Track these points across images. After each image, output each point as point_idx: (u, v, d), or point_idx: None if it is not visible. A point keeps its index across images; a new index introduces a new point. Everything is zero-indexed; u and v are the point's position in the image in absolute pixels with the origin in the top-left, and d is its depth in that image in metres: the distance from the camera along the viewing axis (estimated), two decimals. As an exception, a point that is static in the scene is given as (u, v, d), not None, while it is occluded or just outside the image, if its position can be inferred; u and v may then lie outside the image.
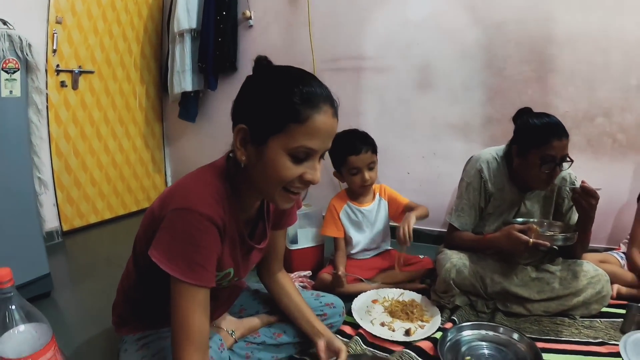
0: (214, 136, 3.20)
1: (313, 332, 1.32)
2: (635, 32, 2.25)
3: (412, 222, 1.86)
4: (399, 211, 2.08)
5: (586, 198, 1.62)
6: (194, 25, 2.92)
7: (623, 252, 2.16)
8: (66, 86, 2.60)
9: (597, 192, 1.62)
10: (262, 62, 1.00)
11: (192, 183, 0.99)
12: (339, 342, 1.28)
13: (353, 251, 2.07)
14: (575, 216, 1.83)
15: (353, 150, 1.91)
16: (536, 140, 1.65)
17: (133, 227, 2.95)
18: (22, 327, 0.85)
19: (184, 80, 2.97)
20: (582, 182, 1.65)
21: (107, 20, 2.82)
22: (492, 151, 1.86)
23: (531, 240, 1.56)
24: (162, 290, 0.94)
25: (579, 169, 2.26)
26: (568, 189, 1.81)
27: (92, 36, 2.73)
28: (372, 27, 2.63)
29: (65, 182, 2.68)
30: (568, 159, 1.66)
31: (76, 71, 2.63)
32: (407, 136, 2.63)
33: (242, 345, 1.36)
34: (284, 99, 0.90)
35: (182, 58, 2.94)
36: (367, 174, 1.93)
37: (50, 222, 2.54)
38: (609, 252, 2.19)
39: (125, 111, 3.05)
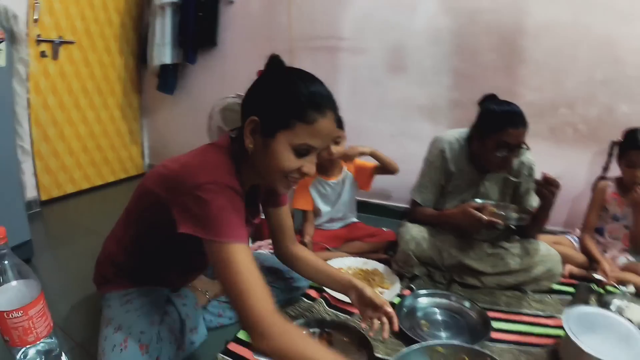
0: (191, 109, 3.24)
1: (342, 287, 1.40)
2: (603, 29, 2.36)
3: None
4: (367, 176, 2.23)
5: (548, 187, 1.72)
6: (175, -2, 2.93)
7: (577, 236, 2.32)
8: (46, 56, 2.60)
9: (558, 180, 1.72)
10: (275, 61, 1.13)
11: (208, 160, 1.08)
12: (370, 291, 1.33)
13: (321, 222, 2.21)
14: (532, 199, 1.95)
15: None
16: (494, 126, 1.76)
17: (110, 197, 3.03)
18: (14, 283, 0.93)
19: (163, 53, 2.99)
20: (543, 173, 1.75)
21: None
22: (456, 133, 1.97)
23: (485, 217, 1.67)
24: (153, 255, 1.03)
25: (541, 156, 2.40)
26: (526, 172, 1.95)
27: (73, 6, 2.73)
28: (349, 9, 2.69)
29: (44, 151, 2.71)
30: (524, 146, 1.76)
31: (57, 41, 2.63)
32: (379, 116, 2.73)
33: (215, 304, 1.50)
34: (296, 101, 1.02)
35: (163, 31, 2.95)
36: (333, 148, 2.02)
37: (29, 191, 2.58)
38: (564, 235, 2.34)
39: (104, 82, 3.06)
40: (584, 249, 2.15)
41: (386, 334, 1.27)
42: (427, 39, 2.59)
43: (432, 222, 1.95)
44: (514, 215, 1.74)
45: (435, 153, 1.94)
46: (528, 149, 1.79)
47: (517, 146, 1.75)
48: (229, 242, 0.98)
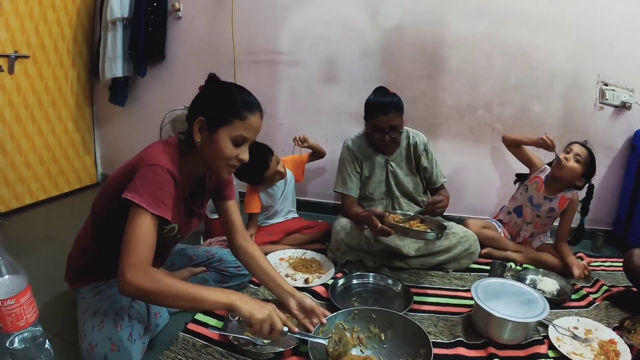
0: (142, 120, 3.34)
1: (281, 292, 1.61)
2: (516, 39, 2.68)
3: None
4: (302, 166, 2.55)
5: (434, 208, 2.05)
6: (126, 14, 3.04)
7: (499, 219, 2.64)
8: (2, 71, 2.65)
9: (440, 200, 2.04)
10: (214, 77, 1.43)
11: (156, 150, 1.34)
12: (309, 300, 1.57)
13: (266, 217, 2.44)
14: (440, 174, 2.36)
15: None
16: (369, 114, 2.15)
17: (67, 206, 3.12)
18: (7, 276, 1.11)
19: (115, 66, 3.09)
20: (427, 200, 2.09)
21: (42, 5, 2.86)
22: (356, 132, 2.35)
23: (378, 225, 1.92)
24: (117, 246, 1.25)
25: (463, 154, 2.75)
26: (422, 148, 2.32)
27: (28, 21, 2.78)
28: (287, 25, 2.92)
29: (2, 164, 2.76)
30: (399, 129, 2.13)
31: (12, 56, 2.68)
32: (314, 122, 2.99)
33: None
34: (233, 103, 1.34)
35: (114, 45, 3.06)
36: (280, 167, 2.34)
37: (-12, 204, 2.62)
38: (489, 220, 2.66)
39: (58, 95, 3.13)
40: (560, 256, 2.38)
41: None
42: (357, 53, 2.85)
43: (354, 219, 2.23)
44: (431, 233, 1.95)
45: (344, 150, 2.31)
46: (402, 130, 2.17)
47: (391, 128, 2.11)
48: (144, 208, 1.22)
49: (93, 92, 3.51)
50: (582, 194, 2.45)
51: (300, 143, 2.53)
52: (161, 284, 1.17)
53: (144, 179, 1.25)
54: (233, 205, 1.70)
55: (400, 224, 1.97)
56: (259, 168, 2.25)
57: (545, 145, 2.31)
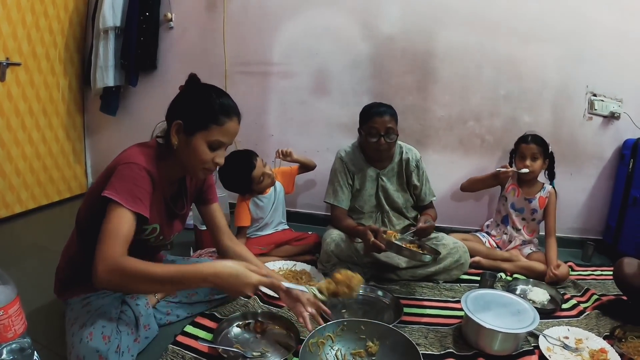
0: (133, 129, 3.33)
1: (272, 286, 1.53)
2: (506, 51, 2.72)
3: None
4: (292, 178, 2.55)
5: (424, 233, 2.11)
6: (118, 23, 3.04)
7: (486, 232, 2.67)
8: None
9: (431, 226, 2.10)
10: (194, 79, 1.43)
11: (132, 151, 1.36)
12: (296, 290, 1.55)
13: (256, 229, 2.44)
14: (429, 191, 2.38)
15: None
16: (364, 118, 2.18)
17: (57, 215, 3.10)
18: (-3, 286, 1.11)
19: (106, 75, 3.08)
20: (418, 227, 2.10)
21: (35, 13, 2.85)
22: (349, 143, 2.36)
23: (371, 240, 1.93)
24: None
25: (452, 164, 2.77)
26: (414, 164, 2.35)
27: (20, 28, 2.77)
28: (278, 37, 2.94)
29: (-8, 173, 2.73)
30: (394, 134, 2.15)
31: (4, 63, 2.67)
32: (305, 133, 2.99)
33: (163, 304, 1.71)
34: (211, 108, 1.36)
35: (106, 54, 3.05)
36: (267, 169, 2.35)
37: (-22, 212, 2.60)
38: (473, 233, 2.69)
39: (49, 103, 3.11)
40: (547, 248, 2.47)
41: (320, 320, 1.53)
42: (347, 64, 2.87)
43: (346, 232, 2.25)
44: (427, 256, 1.97)
45: (336, 161, 2.32)
46: (397, 135, 2.18)
47: (387, 131, 2.13)
48: (121, 204, 1.25)
49: (84, 100, 3.50)
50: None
51: (282, 157, 2.52)
52: (133, 272, 1.20)
53: (120, 177, 1.29)
54: (217, 208, 1.74)
55: (396, 242, 1.98)
56: (246, 171, 2.26)
57: (506, 177, 2.48)
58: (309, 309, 1.51)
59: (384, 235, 1.98)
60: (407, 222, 2.40)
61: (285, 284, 1.47)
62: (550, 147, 2.51)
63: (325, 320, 1.56)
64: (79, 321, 1.38)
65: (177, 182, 1.57)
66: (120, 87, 3.27)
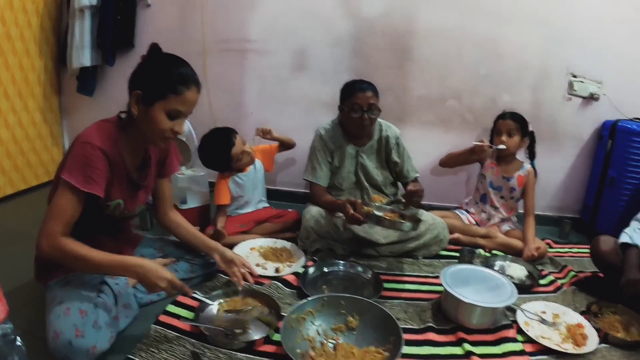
0: (110, 110, 3.11)
1: (208, 249, 1.79)
2: (486, 30, 2.72)
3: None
4: (271, 156, 2.55)
5: (413, 198, 2.09)
6: (94, 1, 2.95)
7: (465, 210, 2.70)
8: None
9: (420, 190, 2.08)
10: (155, 48, 1.43)
11: (90, 129, 1.37)
12: (230, 252, 1.76)
13: (237, 207, 2.43)
14: (411, 168, 2.38)
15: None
16: (346, 93, 2.18)
17: (35, 200, 3.05)
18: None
19: (82, 55, 3.01)
20: (408, 189, 2.12)
21: None
22: (329, 120, 2.35)
23: (350, 212, 1.96)
24: (79, 235, 1.24)
25: (432, 142, 2.78)
26: (394, 142, 2.35)
27: None
28: (257, 14, 2.90)
29: (-30, 159, 2.67)
30: (376, 109, 2.16)
31: None
32: (285, 111, 2.96)
33: None
34: (169, 78, 1.36)
35: (82, 34, 2.98)
36: (247, 147, 2.34)
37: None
38: (452, 210, 2.72)
39: (25, 85, 3.04)
40: (525, 227, 2.50)
41: (249, 278, 1.75)
42: (328, 42, 2.85)
43: (325, 207, 2.26)
44: (406, 224, 1.99)
45: (316, 139, 2.32)
46: (379, 110, 2.18)
47: (370, 107, 2.14)
48: (71, 183, 1.30)
49: (60, 82, 3.41)
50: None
51: (262, 135, 2.52)
52: (71, 253, 1.30)
53: (74, 157, 1.32)
54: (168, 182, 1.79)
55: (375, 213, 2.00)
56: (225, 149, 2.25)
57: (482, 151, 2.47)
58: (242, 270, 1.73)
59: (363, 208, 2.00)
60: (386, 199, 2.42)
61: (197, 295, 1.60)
62: (530, 126, 2.53)
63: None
64: (57, 299, 1.37)
65: (141, 153, 1.57)
66: (97, 67, 3.19)
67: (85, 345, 1.27)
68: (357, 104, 2.14)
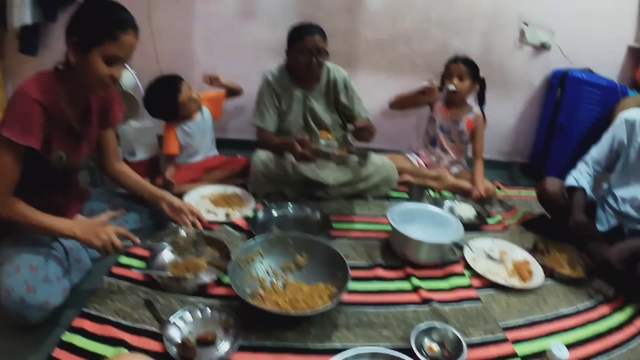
0: None
1: (155, 198, 1.78)
2: None
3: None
4: (219, 104, 2.53)
5: (362, 132, 2.10)
6: (32, -44, 2.80)
7: (414, 152, 2.74)
8: None
9: (369, 125, 2.09)
10: None
11: (27, 82, 1.34)
12: (178, 200, 1.77)
13: (187, 157, 2.40)
14: (361, 108, 2.38)
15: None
16: (295, 37, 2.15)
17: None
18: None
19: (22, 12, 2.85)
20: (356, 123, 2.12)
21: None
22: (276, 65, 2.33)
23: (298, 149, 1.99)
24: (26, 192, 1.29)
25: (382, 86, 2.79)
26: (342, 84, 2.34)
27: None
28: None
29: None
30: (325, 52, 2.15)
31: None
32: (233, 58, 2.87)
33: None
34: (104, 23, 1.32)
35: None
36: (194, 94, 2.30)
37: None
38: (402, 153, 2.76)
39: None
40: (474, 170, 2.55)
41: (199, 225, 1.78)
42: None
43: (275, 150, 2.26)
44: (354, 157, 2.06)
45: (263, 84, 2.30)
46: (328, 54, 2.17)
47: (317, 50, 2.12)
48: (9, 138, 1.26)
49: (1, 44, 3.23)
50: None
51: (210, 81, 2.47)
52: (15, 214, 1.31)
53: (11, 110, 1.30)
54: (112, 133, 1.75)
55: (323, 149, 2.03)
56: (171, 95, 2.21)
57: (432, 91, 2.47)
58: (190, 217, 1.74)
59: (312, 145, 2.03)
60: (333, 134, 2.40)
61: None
62: (481, 73, 2.55)
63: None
64: (7, 259, 1.34)
65: (81, 103, 1.53)
66: (40, 25, 3.03)
67: (37, 300, 1.26)
68: (305, 47, 2.11)
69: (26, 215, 1.33)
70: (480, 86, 2.59)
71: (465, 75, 2.46)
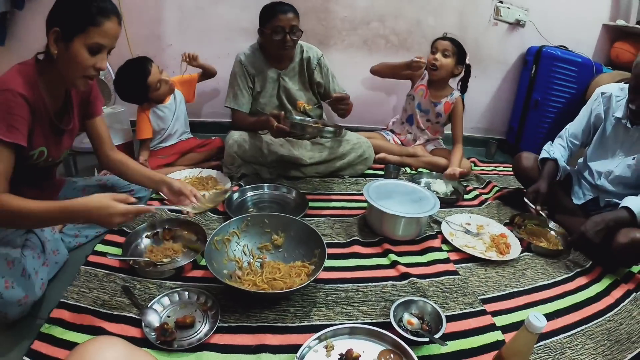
0: (25, 58, 3.03)
1: (155, 184, 1.63)
2: None
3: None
4: (192, 87, 2.51)
5: (338, 105, 2.09)
6: (-7, -60, 2.71)
7: (390, 130, 2.76)
8: None
9: (346, 96, 2.08)
10: None
11: (8, 74, 1.28)
12: (177, 183, 1.59)
13: (160, 140, 2.38)
14: (335, 85, 2.38)
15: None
16: (267, 16, 2.13)
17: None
18: None
19: None
20: (333, 95, 2.10)
21: None
22: (249, 45, 2.30)
23: (275, 124, 1.97)
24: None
25: (357, 64, 2.77)
26: (316, 62, 2.34)
27: None
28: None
29: None
30: (298, 30, 2.13)
31: None
32: (205, 40, 2.81)
33: (71, 226, 1.67)
34: (87, 10, 1.27)
35: None
36: (164, 76, 2.26)
37: None
38: (378, 131, 2.77)
39: None
40: (452, 154, 2.52)
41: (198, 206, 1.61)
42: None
43: (250, 129, 2.25)
44: (329, 128, 2.03)
45: (236, 65, 2.27)
46: (301, 32, 2.15)
47: (291, 28, 2.11)
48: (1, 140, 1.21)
49: (-33, 34, 3.14)
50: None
51: (188, 60, 2.44)
52: (17, 208, 1.20)
53: None
54: (101, 120, 1.67)
55: (299, 122, 2.04)
56: (141, 78, 2.17)
57: (418, 67, 2.50)
58: (192, 199, 1.56)
59: (287, 119, 2.03)
60: (310, 104, 2.42)
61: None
62: (468, 59, 2.54)
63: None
64: None
65: (62, 96, 1.48)
66: (6, 13, 2.94)
67: (16, 295, 1.24)
68: (278, 26, 2.09)
69: (26, 207, 1.22)
70: (465, 73, 2.58)
71: (449, 52, 2.45)
